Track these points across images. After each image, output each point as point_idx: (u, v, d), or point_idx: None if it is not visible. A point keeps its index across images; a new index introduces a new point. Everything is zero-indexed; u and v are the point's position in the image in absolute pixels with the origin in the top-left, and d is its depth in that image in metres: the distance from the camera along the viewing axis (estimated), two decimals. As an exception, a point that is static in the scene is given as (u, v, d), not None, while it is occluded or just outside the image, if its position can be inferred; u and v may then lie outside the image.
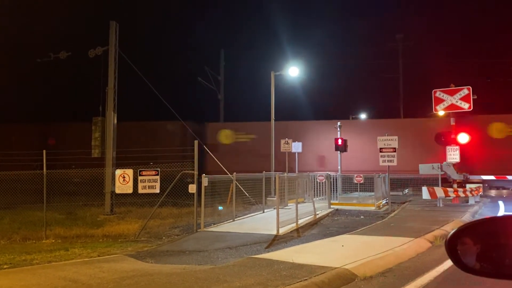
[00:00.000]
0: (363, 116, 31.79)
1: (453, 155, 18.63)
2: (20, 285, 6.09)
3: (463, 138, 19.13)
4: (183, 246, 9.40)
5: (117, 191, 11.90)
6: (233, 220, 13.02)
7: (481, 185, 19.74)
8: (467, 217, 13.60)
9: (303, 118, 30.77)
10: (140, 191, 11.37)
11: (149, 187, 11.30)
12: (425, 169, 19.28)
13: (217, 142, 27.48)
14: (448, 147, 18.80)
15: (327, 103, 38.18)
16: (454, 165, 18.75)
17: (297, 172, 20.47)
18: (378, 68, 39.64)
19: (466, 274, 1.80)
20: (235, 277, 6.15)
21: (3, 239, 10.97)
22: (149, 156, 16.44)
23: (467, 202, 17.89)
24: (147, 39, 43.89)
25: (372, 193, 17.78)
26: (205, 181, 11.80)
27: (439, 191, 17.34)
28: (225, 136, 28.15)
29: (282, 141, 20.43)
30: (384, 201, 18.13)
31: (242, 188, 15.22)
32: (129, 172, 11.62)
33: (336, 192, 19.13)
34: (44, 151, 11.74)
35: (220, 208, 12.54)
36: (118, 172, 11.80)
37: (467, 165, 21.32)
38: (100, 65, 16.80)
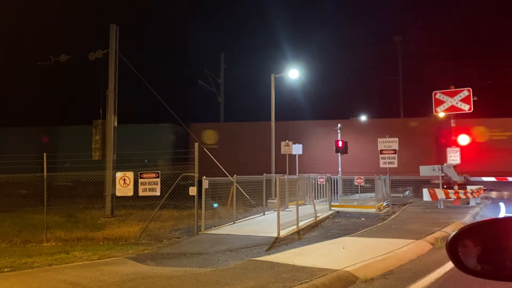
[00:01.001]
0: (363, 118, 31.75)
1: (454, 157, 18.62)
2: (21, 288, 6.09)
3: (464, 139, 19.12)
4: (183, 248, 9.39)
5: (118, 193, 11.89)
6: (234, 223, 13.01)
7: (482, 186, 19.71)
8: (468, 219, 13.59)
9: (303, 120, 30.71)
10: (141, 193, 11.37)
11: (149, 189, 11.30)
12: (426, 170, 19.26)
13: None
14: (448, 149, 18.78)
15: (327, 105, 38.20)
16: (455, 167, 18.74)
17: (297, 174, 20.45)
18: (378, 70, 39.70)
19: (467, 276, 1.80)
20: (236, 280, 6.14)
21: (4, 242, 10.98)
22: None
23: (468, 203, 17.87)
24: (147, 42, 43.95)
25: (373, 195, 17.78)
26: (205, 183, 11.80)
27: (439, 192, 17.33)
28: (479, 133, 25.04)
29: (283, 143, 20.40)
30: (385, 203, 18.12)
31: (242, 191, 15.22)
32: (130, 174, 11.62)
33: (337, 194, 19.11)
34: (44, 154, 11.74)
35: (215, 205, 12.52)
36: (119, 174, 11.80)
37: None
38: (101, 68, 16.84)
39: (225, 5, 59.19)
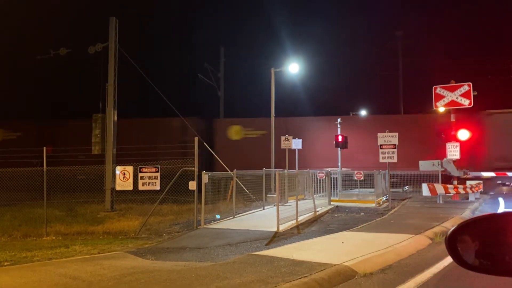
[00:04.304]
0: (363, 112, 31.69)
1: (453, 152, 18.62)
2: (21, 282, 6.10)
3: (464, 134, 19.08)
4: (183, 243, 9.42)
5: (118, 188, 11.91)
6: (233, 217, 13.03)
7: (481, 181, 19.73)
8: (467, 214, 13.61)
9: (303, 115, 30.66)
10: (141, 188, 11.38)
11: (149, 184, 11.31)
12: (425, 165, 19.27)
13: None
14: (448, 144, 18.78)
15: (328, 99, 38.08)
16: (454, 161, 18.75)
17: (297, 169, 20.47)
18: (378, 64, 39.56)
19: (466, 270, 1.81)
20: (236, 274, 6.16)
21: (4, 236, 11.00)
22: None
23: (467, 198, 17.90)
24: (147, 36, 43.77)
25: (372, 190, 17.81)
26: (205, 178, 11.81)
27: (439, 187, 17.36)
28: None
29: (282, 138, 20.41)
30: (384, 198, 18.15)
31: (242, 185, 15.23)
32: (130, 169, 11.62)
33: (336, 189, 19.14)
34: (44, 148, 11.74)
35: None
36: (119, 169, 11.81)
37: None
38: (100, 62, 16.80)
39: (225, -2, 58.93)
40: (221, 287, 5.56)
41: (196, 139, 11.70)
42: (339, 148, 21.02)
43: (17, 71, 35.02)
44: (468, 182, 18.35)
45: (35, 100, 35.69)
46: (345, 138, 20.90)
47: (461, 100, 18.54)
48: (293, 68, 20.68)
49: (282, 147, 20.29)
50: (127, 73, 18.19)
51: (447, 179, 19.06)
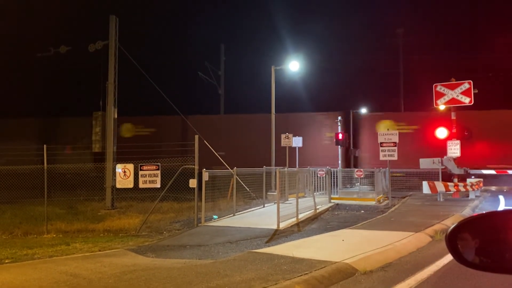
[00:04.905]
0: (363, 110, 31.63)
1: (454, 150, 18.61)
2: (22, 280, 6.11)
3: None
4: (184, 240, 9.43)
5: (118, 185, 11.91)
6: (234, 215, 13.04)
7: (481, 179, 19.72)
8: (467, 212, 13.62)
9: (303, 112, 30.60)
10: (141, 185, 11.38)
11: (150, 181, 11.31)
12: (426, 163, 19.27)
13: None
14: (448, 142, 18.77)
15: (328, 97, 38.08)
16: (455, 159, 18.74)
17: (297, 167, 20.46)
18: (379, 62, 39.53)
19: (466, 268, 1.81)
20: (236, 272, 6.17)
21: (5, 234, 11.01)
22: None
23: (468, 196, 17.90)
24: (147, 34, 43.75)
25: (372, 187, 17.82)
26: (206, 175, 11.80)
27: (439, 185, 17.35)
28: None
29: (283, 136, 20.39)
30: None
31: (242, 183, 15.23)
32: (130, 166, 11.62)
33: (337, 187, 19.14)
34: (45, 145, 11.74)
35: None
36: (119, 166, 11.81)
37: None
38: (101, 60, 16.78)
39: (225, -4, 58.87)
40: (221, 284, 5.57)
41: (196, 137, 11.69)
42: (339, 146, 21.04)
43: (18, 69, 35.01)
44: (469, 180, 18.35)
45: (35, 97, 35.68)
46: (345, 136, 20.91)
47: (461, 98, 18.52)
48: (294, 66, 20.64)
49: (282, 145, 20.26)
50: (127, 71, 18.19)
51: (446, 177, 19.07)
